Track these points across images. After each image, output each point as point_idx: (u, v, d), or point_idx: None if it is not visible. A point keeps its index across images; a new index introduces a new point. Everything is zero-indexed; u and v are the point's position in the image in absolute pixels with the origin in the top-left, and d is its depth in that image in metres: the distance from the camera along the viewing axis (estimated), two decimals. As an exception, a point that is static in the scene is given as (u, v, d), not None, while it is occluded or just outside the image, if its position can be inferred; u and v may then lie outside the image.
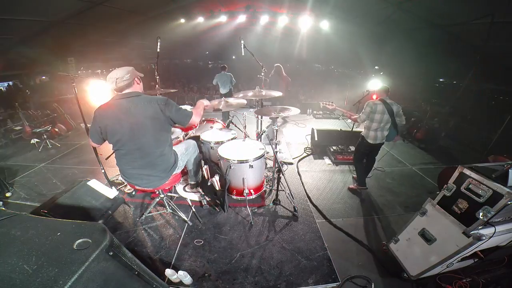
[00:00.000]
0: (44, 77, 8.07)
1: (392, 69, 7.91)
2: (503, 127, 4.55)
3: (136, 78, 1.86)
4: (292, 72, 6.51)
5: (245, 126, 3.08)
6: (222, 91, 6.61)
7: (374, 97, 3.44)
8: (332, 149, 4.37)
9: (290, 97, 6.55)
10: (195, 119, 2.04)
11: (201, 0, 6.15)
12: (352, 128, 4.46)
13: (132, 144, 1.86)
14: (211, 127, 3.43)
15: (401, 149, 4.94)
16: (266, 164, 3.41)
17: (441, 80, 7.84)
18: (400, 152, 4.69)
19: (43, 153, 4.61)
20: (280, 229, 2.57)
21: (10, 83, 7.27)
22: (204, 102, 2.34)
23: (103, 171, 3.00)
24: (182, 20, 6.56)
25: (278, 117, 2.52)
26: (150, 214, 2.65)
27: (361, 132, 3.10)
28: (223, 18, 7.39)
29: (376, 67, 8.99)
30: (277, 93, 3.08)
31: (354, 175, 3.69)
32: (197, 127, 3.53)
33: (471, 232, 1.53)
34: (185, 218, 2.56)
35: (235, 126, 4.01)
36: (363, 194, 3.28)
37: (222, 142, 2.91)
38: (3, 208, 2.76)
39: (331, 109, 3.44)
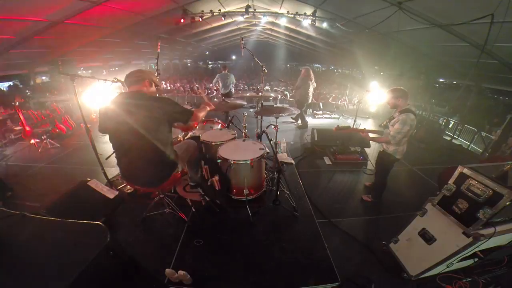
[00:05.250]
0: (44, 77, 8.09)
1: (392, 69, 7.91)
2: (503, 127, 4.55)
3: (146, 81, 1.90)
4: (292, 72, 6.56)
5: (245, 126, 3.08)
6: (223, 91, 6.60)
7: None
8: (332, 149, 4.37)
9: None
10: (196, 118, 2.05)
11: (201, 0, 6.15)
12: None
13: (132, 144, 1.85)
14: (211, 127, 3.43)
15: (401, 149, 4.94)
16: (266, 164, 3.41)
17: (441, 80, 7.85)
18: (400, 152, 4.68)
19: (43, 153, 4.61)
20: (280, 229, 2.56)
21: (10, 83, 7.29)
22: (208, 107, 2.35)
23: (103, 171, 3.00)
24: (182, 20, 6.56)
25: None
26: (150, 214, 2.64)
27: (384, 149, 2.77)
28: (223, 18, 7.40)
29: (376, 67, 8.99)
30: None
31: (366, 183, 3.54)
32: (197, 127, 3.54)
33: (471, 232, 1.53)
34: (185, 218, 2.56)
35: (235, 126, 4.02)
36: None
37: (222, 142, 2.91)
38: (3, 208, 2.76)
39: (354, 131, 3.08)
